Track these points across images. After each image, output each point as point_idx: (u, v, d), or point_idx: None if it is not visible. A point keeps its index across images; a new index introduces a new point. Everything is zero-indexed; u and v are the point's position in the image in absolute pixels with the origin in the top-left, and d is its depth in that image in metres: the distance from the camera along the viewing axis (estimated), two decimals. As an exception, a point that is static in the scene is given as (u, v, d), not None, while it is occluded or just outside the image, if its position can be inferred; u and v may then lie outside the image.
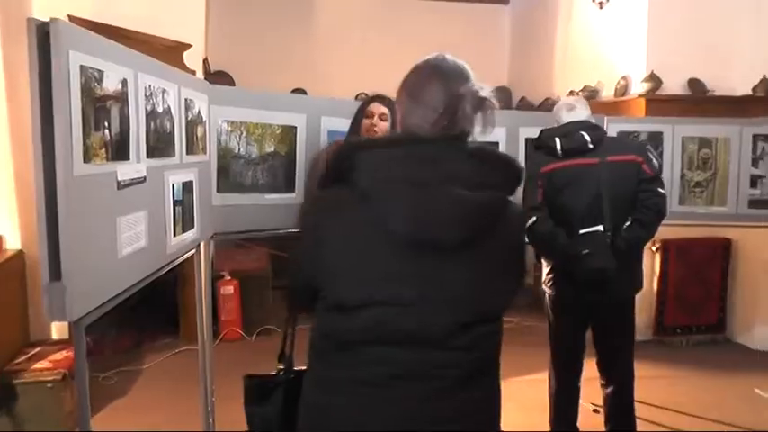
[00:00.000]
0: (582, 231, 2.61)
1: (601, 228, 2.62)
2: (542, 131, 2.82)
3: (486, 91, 1.32)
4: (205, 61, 5.39)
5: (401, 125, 1.37)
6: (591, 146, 2.68)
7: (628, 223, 2.66)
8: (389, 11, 7.00)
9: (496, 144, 3.33)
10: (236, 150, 2.74)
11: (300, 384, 1.40)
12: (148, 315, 4.79)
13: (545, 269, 2.88)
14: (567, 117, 2.82)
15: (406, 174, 1.24)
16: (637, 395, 2.99)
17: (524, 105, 6.57)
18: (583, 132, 2.70)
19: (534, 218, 2.66)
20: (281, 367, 1.78)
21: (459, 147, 1.30)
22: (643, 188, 2.67)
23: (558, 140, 2.70)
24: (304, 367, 1.42)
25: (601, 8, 4.19)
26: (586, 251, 2.58)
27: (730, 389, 4.05)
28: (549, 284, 2.86)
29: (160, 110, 2.06)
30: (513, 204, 1.37)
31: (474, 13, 7.25)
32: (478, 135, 1.32)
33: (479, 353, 1.30)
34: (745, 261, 4.94)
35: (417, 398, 1.24)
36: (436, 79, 1.32)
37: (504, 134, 3.39)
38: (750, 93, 4.85)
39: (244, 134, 2.74)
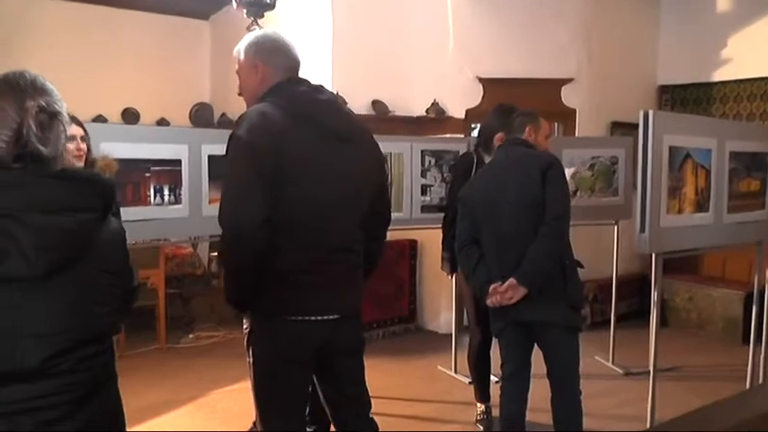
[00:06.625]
0: None
1: None
2: None
3: (62, 107, 1.29)
4: None
5: None
6: None
7: None
8: (89, 20, 6.40)
9: (179, 162, 3.38)
10: None
11: None
12: None
13: None
14: None
15: None
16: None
17: (225, 122, 6.60)
18: None
19: None
20: None
21: (40, 170, 1.25)
22: None
23: None
24: None
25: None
26: None
27: (417, 370, 4.61)
28: None
29: None
30: (112, 222, 1.36)
31: (175, 26, 6.99)
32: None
33: (88, 373, 1.29)
34: (429, 258, 5.63)
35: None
36: (10, 95, 1.26)
37: (187, 151, 3.41)
38: (424, 114, 5.59)
39: None
